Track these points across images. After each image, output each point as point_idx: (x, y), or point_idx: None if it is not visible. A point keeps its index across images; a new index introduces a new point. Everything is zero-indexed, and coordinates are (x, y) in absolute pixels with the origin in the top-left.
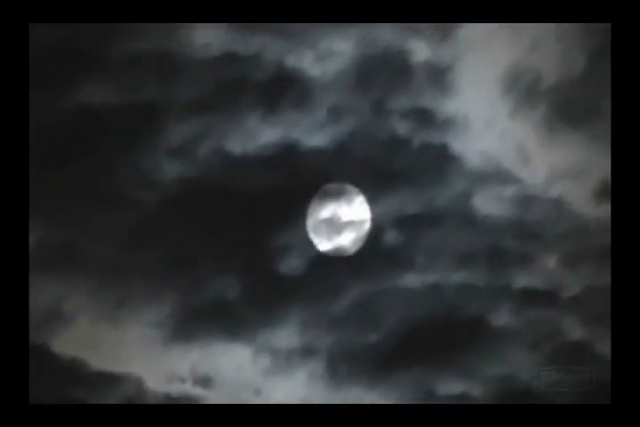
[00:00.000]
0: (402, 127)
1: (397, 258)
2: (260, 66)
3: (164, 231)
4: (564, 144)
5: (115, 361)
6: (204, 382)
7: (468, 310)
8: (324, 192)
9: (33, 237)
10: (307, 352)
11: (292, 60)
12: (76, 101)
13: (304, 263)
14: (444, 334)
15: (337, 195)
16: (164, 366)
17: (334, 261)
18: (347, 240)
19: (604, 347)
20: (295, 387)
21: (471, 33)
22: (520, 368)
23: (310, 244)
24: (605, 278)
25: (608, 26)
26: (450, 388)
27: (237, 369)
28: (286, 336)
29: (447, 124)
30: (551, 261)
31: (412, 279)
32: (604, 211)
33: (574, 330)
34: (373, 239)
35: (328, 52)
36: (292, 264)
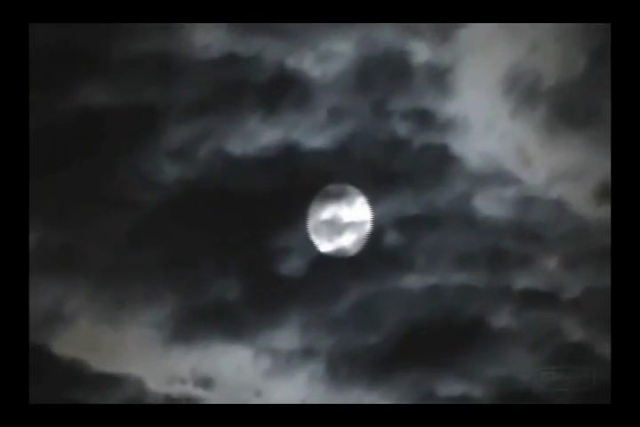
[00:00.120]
0: (402, 128)
1: (397, 259)
2: (260, 67)
3: (165, 233)
4: (565, 145)
5: (115, 362)
6: (205, 383)
7: (469, 311)
8: (325, 193)
9: (33, 239)
10: (307, 353)
11: (292, 62)
12: (76, 102)
13: (305, 264)
14: (444, 335)
15: (338, 196)
16: (165, 368)
17: (335, 262)
18: (348, 241)
19: (604, 348)
20: (295, 388)
21: (471, 34)
22: (520, 370)
23: (311, 245)
24: (606, 280)
25: (608, 26)
26: (450, 389)
27: (238, 370)
28: (287, 337)
29: (447, 125)
30: (551, 263)
31: (412, 280)
32: (604, 212)
33: (574, 331)
34: (374, 240)
35: (328, 54)
36: (292, 265)
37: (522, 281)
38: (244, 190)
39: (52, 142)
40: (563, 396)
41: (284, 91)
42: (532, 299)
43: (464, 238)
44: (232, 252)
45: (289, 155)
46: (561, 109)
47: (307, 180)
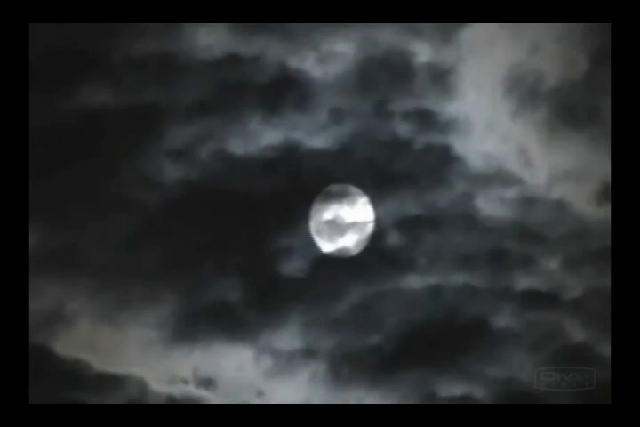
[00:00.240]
0: (404, 129)
1: (399, 259)
2: (261, 67)
3: (166, 233)
4: (566, 146)
5: (117, 363)
6: (206, 383)
7: (470, 311)
8: (327, 193)
9: (33, 239)
10: (308, 354)
11: (293, 62)
12: (77, 103)
13: (306, 265)
14: (445, 335)
15: (340, 196)
16: (166, 368)
17: (337, 262)
18: (349, 241)
19: (605, 348)
20: (297, 388)
21: (472, 35)
22: (522, 370)
23: (313, 245)
24: (607, 280)
25: (608, 26)
26: (451, 390)
27: (239, 371)
28: (288, 338)
29: (449, 125)
30: (553, 263)
31: (413, 281)
32: (604, 213)
33: (575, 332)
34: (375, 241)
35: (330, 54)
36: (294, 266)
37: (523, 281)
38: (245, 191)
39: (52, 142)
40: (564, 396)
41: (285, 91)
42: (532, 299)
43: (465, 239)
44: (233, 252)
45: (290, 155)
46: (562, 110)
47: (308, 180)
